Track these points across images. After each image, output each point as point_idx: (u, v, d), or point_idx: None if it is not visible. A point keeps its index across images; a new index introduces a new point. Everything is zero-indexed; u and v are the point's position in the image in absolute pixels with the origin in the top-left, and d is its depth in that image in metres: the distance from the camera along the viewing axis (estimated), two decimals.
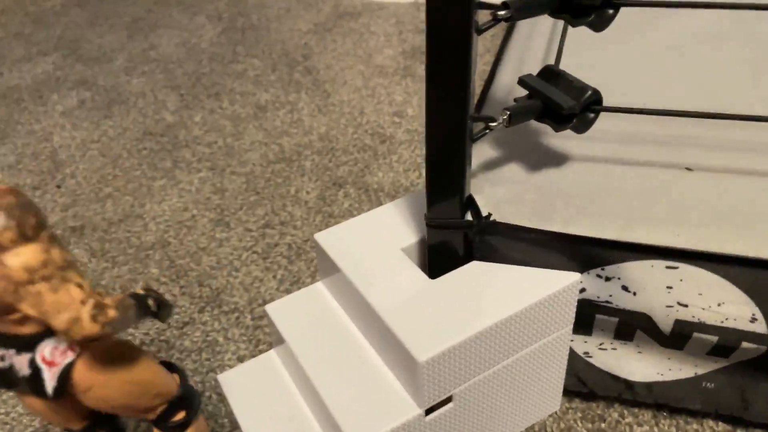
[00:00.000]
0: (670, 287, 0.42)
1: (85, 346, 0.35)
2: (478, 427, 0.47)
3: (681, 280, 0.42)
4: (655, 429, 0.54)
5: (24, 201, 0.31)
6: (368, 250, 0.47)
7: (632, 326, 0.46)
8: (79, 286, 0.32)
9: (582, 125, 0.44)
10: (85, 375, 0.35)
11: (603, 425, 0.54)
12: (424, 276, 0.45)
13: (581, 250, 0.43)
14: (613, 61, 0.60)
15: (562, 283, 0.44)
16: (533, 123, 0.45)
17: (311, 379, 0.43)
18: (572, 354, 0.51)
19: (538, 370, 0.48)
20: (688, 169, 0.47)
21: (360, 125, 0.94)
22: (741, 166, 0.46)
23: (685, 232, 0.42)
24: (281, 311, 0.48)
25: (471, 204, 0.46)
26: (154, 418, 0.42)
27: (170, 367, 0.43)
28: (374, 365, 0.44)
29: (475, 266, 0.46)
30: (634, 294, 0.44)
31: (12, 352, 0.34)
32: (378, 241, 0.48)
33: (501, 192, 0.47)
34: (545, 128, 0.48)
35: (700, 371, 0.48)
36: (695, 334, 0.44)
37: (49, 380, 0.34)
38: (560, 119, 0.43)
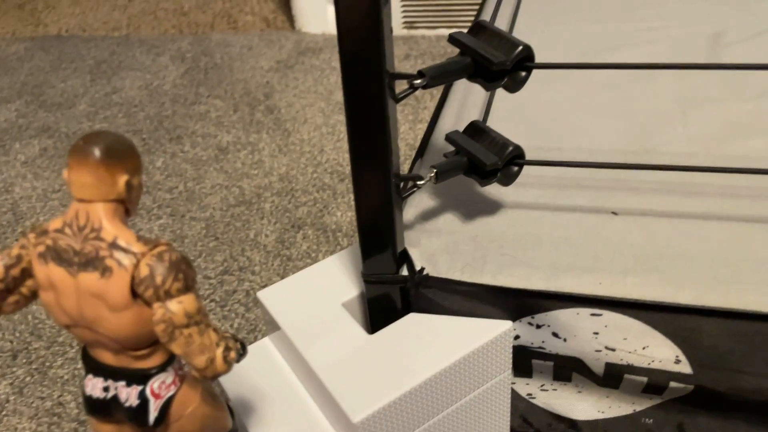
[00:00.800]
0: (597, 333, 0.44)
1: (183, 380, 0.39)
2: None
3: (606, 326, 0.43)
4: None
5: (186, 256, 0.35)
6: (309, 307, 0.48)
7: (568, 369, 0.48)
8: (215, 330, 0.36)
9: (506, 179, 0.46)
10: (178, 408, 0.39)
11: None
12: (362, 331, 0.46)
13: (511, 300, 0.45)
14: (551, 100, 0.62)
15: (494, 332, 0.45)
16: None
17: None
18: (516, 396, 0.52)
19: (482, 415, 0.49)
20: (613, 213, 0.48)
21: (320, 164, 0.96)
22: (664, 208, 0.48)
23: (607, 279, 0.43)
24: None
25: (405, 258, 0.47)
26: None
27: None
28: (318, 424, 0.45)
29: (412, 318, 0.47)
30: (565, 340, 0.45)
31: (121, 384, 0.38)
32: (319, 296, 0.49)
33: (436, 243, 0.49)
34: None
35: (638, 408, 0.49)
36: (626, 376, 0.46)
37: (153, 411, 0.38)
38: (485, 174, 0.45)
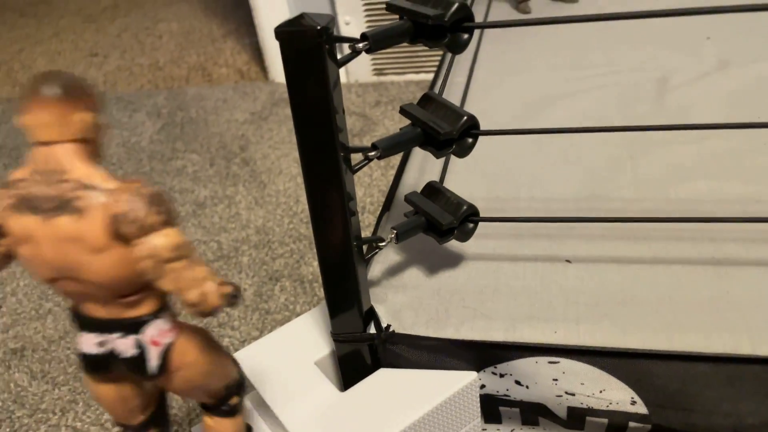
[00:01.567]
0: (556, 379, 0.46)
1: (180, 329, 0.38)
2: None
3: (563, 373, 0.46)
4: None
5: (163, 190, 0.35)
6: (283, 366, 0.50)
7: (534, 414, 0.50)
8: (205, 264, 0.35)
9: (462, 236, 0.49)
10: (179, 355, 0.38)
11: None
12: (334, 389, 0.48)
13: (474, 352, 0.47)
14: (506, 150, 0.65)
15: (460, 384, 0.47)
16: None
17: None
18: None
19: None
20: (567, 261, 0.51)
21: (295, 214, 0.98)
22: (613, 254, 0.51)
23: (561, 327, 0.46)
24: None
25: (372, 316, 0.49)
26: (214, 402, 0.43)
27: None
28: None
29: (382, 374, 0.49)
30: (527, 387, 0.47)
31: (116, 335, 0.37)
32: (292, 356, 0.51)
33: (401, 299, 0.51)
34: None
35: None
36: (588, 418, 0.48)
37: (153, 359, 0.37)
38: (442, 233, 0.48)
